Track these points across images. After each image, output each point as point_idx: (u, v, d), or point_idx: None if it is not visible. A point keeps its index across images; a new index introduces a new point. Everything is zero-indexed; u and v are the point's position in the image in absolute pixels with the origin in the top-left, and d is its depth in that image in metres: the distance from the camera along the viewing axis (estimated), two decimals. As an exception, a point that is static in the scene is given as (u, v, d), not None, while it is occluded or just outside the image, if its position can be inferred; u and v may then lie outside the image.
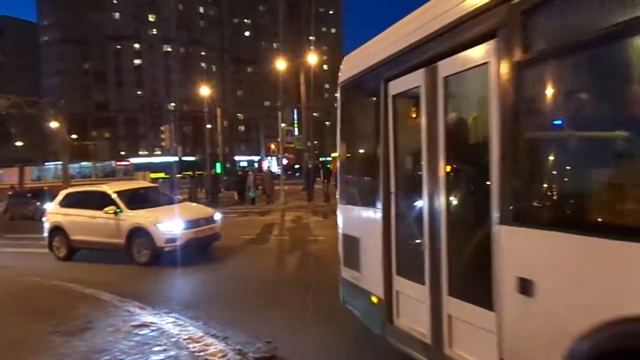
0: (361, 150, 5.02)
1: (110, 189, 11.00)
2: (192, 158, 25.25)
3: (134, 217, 10.09)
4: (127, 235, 9.98)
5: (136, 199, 10.87)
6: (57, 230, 11.25)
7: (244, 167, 70.56)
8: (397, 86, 3.90)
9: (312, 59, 35.97)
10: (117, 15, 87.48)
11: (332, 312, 5.54)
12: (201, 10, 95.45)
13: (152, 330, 5.28)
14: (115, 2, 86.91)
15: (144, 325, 5.49)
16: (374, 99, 4.21)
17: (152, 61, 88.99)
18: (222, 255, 10.38)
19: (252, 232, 13.84)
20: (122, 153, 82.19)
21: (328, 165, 23.71)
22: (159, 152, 71.17)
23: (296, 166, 47.13)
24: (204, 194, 25.20)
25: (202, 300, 7.10)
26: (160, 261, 9.72)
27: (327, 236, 11.90)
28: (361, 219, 4.51)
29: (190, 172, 32.97)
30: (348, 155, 5.18)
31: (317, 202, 21.26)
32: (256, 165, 78.57)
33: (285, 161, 34.67)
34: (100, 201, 10.59)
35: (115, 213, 10.18)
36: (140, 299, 6.86)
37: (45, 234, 11.60)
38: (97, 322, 5.65)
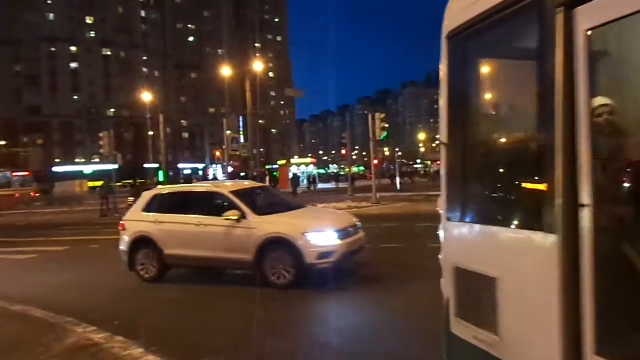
0: (503, 136, 3.21)
1: (222, 188, 8.70)
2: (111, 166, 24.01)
3: (267, 225, 7.67)
4: (258, 248, 7.50)
5: (258, 202, 8.66)
6: (143, 242, 8.49)
7: (188, 175, 69.00)
8: (597, 13, 2.12)
9: (258, 66, 35.86)
10: (51, 16, 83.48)
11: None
12: (143, 14, 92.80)
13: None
14: (49, 2, 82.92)
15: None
16: (534, 44, 2.48)
17: (89, 65, 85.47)
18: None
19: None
20: (57, 160, 78.33)
21: (275, 173, 23.63)
22: (97, 160, 68.29)
23: (242, 174, 46.67)
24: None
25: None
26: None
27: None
28: (505, 248, 2.72)
29: (131, 181, 31.84)
30: (470, 144, 3.15)
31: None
32: (201, 173, 77.11)
33: (230, 169, 34.24)
34: (210, 204, 8.40)
35: (238, 220, 7.73)
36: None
37: (124, 248, 8.69)
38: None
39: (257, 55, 76.24)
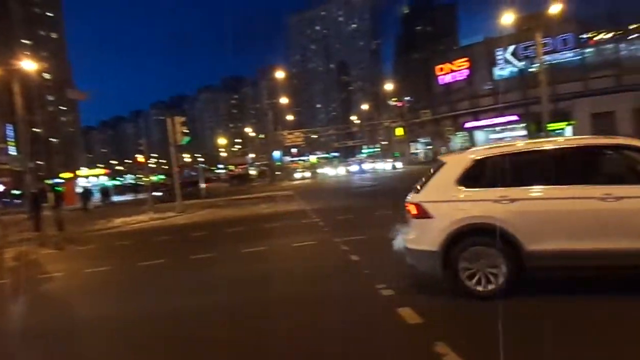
0: None
1: (610, 139, 5.55)
2: None
3: None
4: None
5: None
6: (478, 235, 5.21)
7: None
8: None
9: (29, 65, 30.90)
10: None
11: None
12: None
13: None
14: None
15: None
16: None
17: None
18: None
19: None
20: None
21: (58, 188, 20.54)
22: None
23: (15, 191, 39.66)
24: None
25: None
26: None
27: (65, 271, 10.13)
28: None
29: None
30: None
31: (47, 231, 18.16)
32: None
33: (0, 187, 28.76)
34: (616, 168, 5.39)
35: None
36: None
37: (431, 247, 5.30)
38: None
39: (27, 53, 66.25)
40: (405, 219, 5.81)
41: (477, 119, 53.15)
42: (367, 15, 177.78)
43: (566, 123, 43.64)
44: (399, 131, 64.80)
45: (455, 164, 5.62)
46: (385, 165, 57.27)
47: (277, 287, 6.98)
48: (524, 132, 47.21)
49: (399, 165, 56.87)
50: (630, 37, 46.89)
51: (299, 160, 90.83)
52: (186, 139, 23.03)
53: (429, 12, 59.62)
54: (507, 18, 39.02)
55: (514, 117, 49.13)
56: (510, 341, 3.86)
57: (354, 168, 59.29)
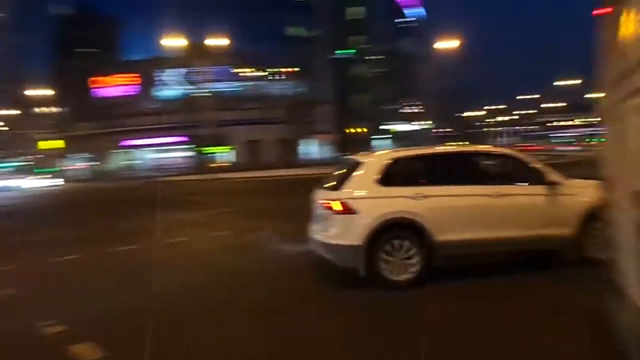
0: None
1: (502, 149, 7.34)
2: None
3: (583, 189, 5.99)
4: (583, 220, 5.84)
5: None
6: (397, 229, 5.56)
7: None
8: None
9: None
10: None
11: None
12: None
13: None
14: None
15: None
16: None
17: None
18: None
19: None
20: None
21: None
22: None
23: None
24: None
25: None
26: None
27: None
28: None
29: None
30: None
31: None
32: None
33: None
34: (500, 170, 6.58)
35: (552, 187, 6.03)
36: None
37: (355, 242, 5.50)
38: None
39: None
40: (320, 217, 5.97)
41: (139, 137, 51.54)
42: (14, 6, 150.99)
43: (229, 147, 48.08)
44: (53, 144, 57.01)
45: (374, 164, 6.05)
46: (37, 183, 48.95)
47: None
48: (192, 153, 49.18)
49: (57, 181, 49.65)
50: (272, 77, 55.75)
51: None
52: None
53: (91, 19, 54.85)
54: (173, 42, 40.39)
55: (182, 138, 50.28)
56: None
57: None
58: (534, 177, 6.12)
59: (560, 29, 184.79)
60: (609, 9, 3.39)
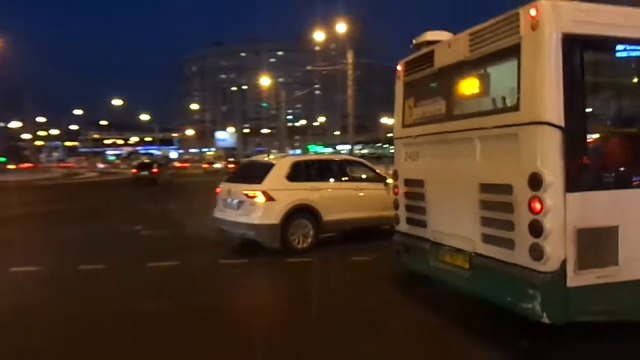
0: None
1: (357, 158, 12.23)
2: None
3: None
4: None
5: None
6: (300, 211, 8.33)
7: None
8: None
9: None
10: None
11: None
12: None
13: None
14: None
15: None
16: None
17: None
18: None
19: None
20: None
21: None
22: None
23: None
24: None
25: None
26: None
27: None
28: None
29: None
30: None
31: None
32: None
33: None
34: (353, 171, 9.61)
35: (386, 184, 8.93)
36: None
37: (273, 221, 8.04)
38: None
39: None
40: (238, 204, 8.37)
41: None
42: None
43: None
44: None
45: (282, 165, 8.68)
46: None
47: None
48: None
49: None
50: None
51: None
52: None
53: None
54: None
55: None
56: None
57: None
58: (377, 178, 9.25)
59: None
60: (401, 68, 5.62)
